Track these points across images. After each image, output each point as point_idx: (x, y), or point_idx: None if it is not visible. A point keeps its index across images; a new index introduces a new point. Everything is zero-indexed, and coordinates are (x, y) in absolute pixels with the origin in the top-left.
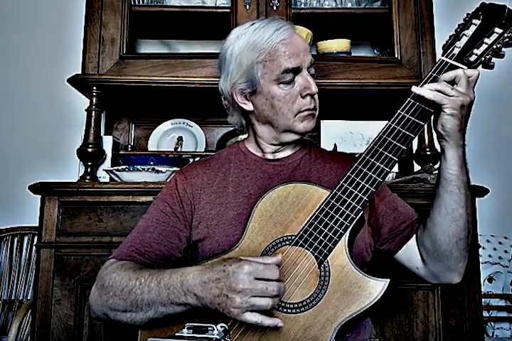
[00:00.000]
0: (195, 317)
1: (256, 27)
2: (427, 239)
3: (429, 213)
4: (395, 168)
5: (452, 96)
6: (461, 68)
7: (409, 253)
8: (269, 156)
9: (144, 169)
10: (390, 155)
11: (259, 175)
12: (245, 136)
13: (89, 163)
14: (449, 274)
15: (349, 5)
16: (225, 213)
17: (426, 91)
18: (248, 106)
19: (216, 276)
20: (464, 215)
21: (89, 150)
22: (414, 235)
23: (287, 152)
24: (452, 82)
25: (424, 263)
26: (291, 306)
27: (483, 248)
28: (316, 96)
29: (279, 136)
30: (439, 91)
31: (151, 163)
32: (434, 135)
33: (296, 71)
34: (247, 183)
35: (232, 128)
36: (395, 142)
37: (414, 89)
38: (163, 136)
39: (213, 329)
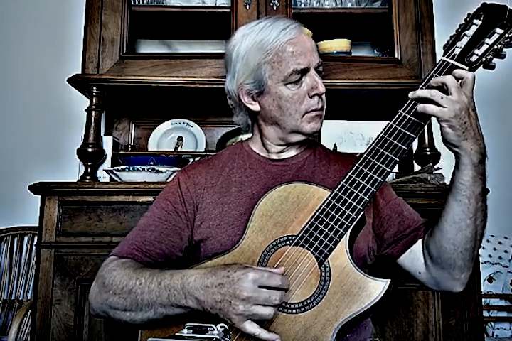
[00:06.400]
0: (196, 317)
1: (262, 26)
2: (433, 244)
3: (437, 218)
4: (395, 168)
5: (444, 107)
6: (462, 68)
7: (413, 257)
8: (274, 156)
9: (144, 169)
10: (391, 155)
11: (262, 175)
12: (247, 135)
13: (89, 163)
14: (450, 282)
15: (349, 5)
16: (228, 213)
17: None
18: (255, 107)
19: (219, 281)
20: (472, 226)
21: (89, 150)
22: (420, 239)
23: (292, 152)
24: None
25: (426, 269)
26: (292, 306)
27: (483, 248)
28: (323, 96)
29: (286, 137)
30: (431, 100)
31: (151, 163)
32: (434, 135)
33: (304, 71)
34: (250, 183)
35: (232, 128)
36: (395, 142)
37: (411, 95)
38: (163, 136)
39: (213, 329)
